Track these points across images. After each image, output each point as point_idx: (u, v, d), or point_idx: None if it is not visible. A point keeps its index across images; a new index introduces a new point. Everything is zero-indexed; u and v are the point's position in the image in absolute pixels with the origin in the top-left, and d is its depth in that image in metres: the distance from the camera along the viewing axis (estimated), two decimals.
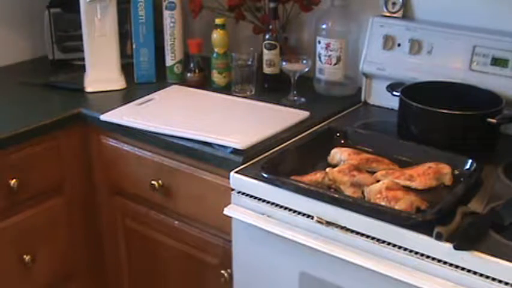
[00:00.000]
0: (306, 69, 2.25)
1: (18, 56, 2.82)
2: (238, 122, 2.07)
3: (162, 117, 2.14)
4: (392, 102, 2.06)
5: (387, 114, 2.14)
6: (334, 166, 1.79)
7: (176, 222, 2.15)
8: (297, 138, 1.99)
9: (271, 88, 2.37)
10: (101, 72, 2.48)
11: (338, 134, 1.94)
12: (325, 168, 1.76)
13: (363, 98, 2.28)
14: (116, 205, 2.32)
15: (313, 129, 2.06)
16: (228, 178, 1.83)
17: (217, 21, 2.39)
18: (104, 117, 2.18)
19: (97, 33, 2.44)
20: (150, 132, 2.07)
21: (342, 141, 1.93)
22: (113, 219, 2.35)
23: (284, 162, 1.80)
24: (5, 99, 2.44)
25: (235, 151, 1.88)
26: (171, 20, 2.46)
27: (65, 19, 2.70)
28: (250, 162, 1.86)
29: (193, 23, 2.57)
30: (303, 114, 2.11)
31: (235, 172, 1.80)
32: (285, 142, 1.96)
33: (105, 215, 2.38)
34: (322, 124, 2.09)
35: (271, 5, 2.33)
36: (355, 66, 2.28)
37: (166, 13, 2.46)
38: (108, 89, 2.45)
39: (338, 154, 1.82)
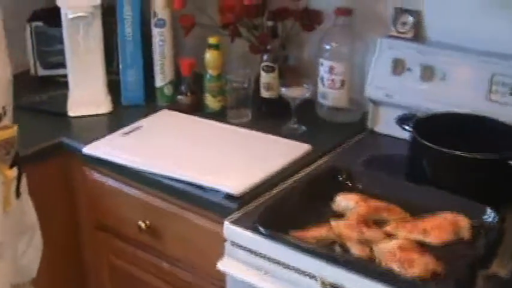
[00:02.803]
0: (307, 95, 2.05)
1: None
2: (232, 157, 1.89)
3: (149, 150, 1.97)
4: (401, 131, 1.85)
5: (396, 146, 1.94)
6: (340, 214, 1.61)
7: (165, 263, 1.96)
8: (298, 176, 1.79)
9: (269, 113, 2.18)
10: (85, 94, 2.29)
11: (343, 176, 1.73)
12: (329, 216, 1.57)
13: (369, 126, 2.07)
14: (101, 241, 2.14)
15: (316, 163, 1.87)
16: (221, 223, 1.65)
17: (211, 40, 2.19)
18: (87, 150, 2.00)
19: (80, 51, 2.24)
20: (136, 169, 1.87)
21: (348, 183, 1.73)
22: (98, 256, 2.17)
23: (284, 210, 1.62)
24: None
25: (229, 196, 1.69)
26: (160, 39, 2.27)
27: (47, 33, 2.49)
28: (246, 208, 1.68)
29: (185, 41, 2.36)
30: (303, 147, 1.93)
31: (230, 222, 1.62)
32: (285, 181, 1.77)
33: (88, 252, 2.20)
34: (326, 158, 1.90)
35: (270, 23, 2.14)
36: (360, 90, 2.09)
37: (155, 31, 2.27)
38: (93, 113, 2.26)
39: (344, 201, 1.64)
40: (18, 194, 1.51)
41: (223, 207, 1.69)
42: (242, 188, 1.70)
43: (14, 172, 1.46)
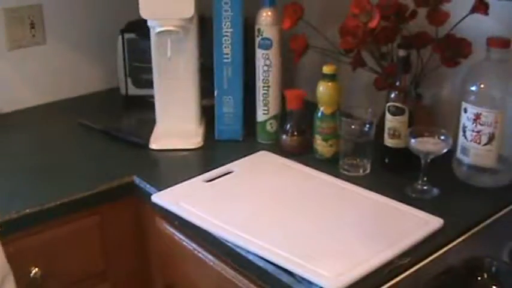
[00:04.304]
0: (444, 151, 1.57)
1: (90, 85, 2.34)
2: (337, 231, 1.44)
3: (233, 208, 1.55)
4: None
5: None
6: None
7: None
8: (421, 269, 1.31)
9: (393, 166, 1.71)
10: (172, 123, 1.91)
11: (485, 276, 1.24)
12: None
13: None
14: None
15: (448, 248, 1.38)
16: None
17: (326, 69, 1.75)
18: (156, 198, 1.59)
19: (169, 72, 1.86)
20: (212, 234, 1.45)
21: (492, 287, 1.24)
22: None
23: None
24: (50, 149, 1.95)
25: None
26: (265, 62, 1.85)
27: (141, 47, 2.13)
28: None
29: (296, 67, 1.92)
30: (433, 222, 1.45)
31: None
32: (402, 274, 1.29)
33: None
34: (462, 241, 1.41)
35: (401, 52, 1.66)
36: None
37: (259, 52, 1.85)
38: (179, 147, 1.86)
39: None
40: None
41: None
42: (343, 284, 1.24)
43: None
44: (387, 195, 1.58)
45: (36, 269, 1.62)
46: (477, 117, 1.60)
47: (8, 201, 1.62)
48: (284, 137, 1.84)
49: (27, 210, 1.58)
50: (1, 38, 2.12)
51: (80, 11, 2.24)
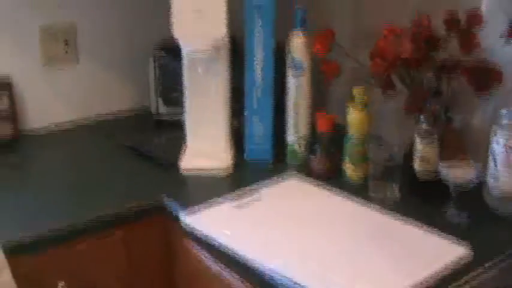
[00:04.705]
0: (474, 181, 1.56)
1: (121, 104, 2.36)
2: (363, 256, 1.43)
3: (261, 233, 1.56)
4: None
5: None
6: None
7: None
8: None
9: (423, 192, 1.70)
10: (203, 144, 1.92)
11: None
12: None
13: None
14: None
15: (475, 278, 1.37)
16: None
17: (356, 93, 1.75)
18: (185, 218, 1.61)
19: (200, 92, 1.87)
20: (237, 258, 1.46)
21: None
22: None
23: None
24: (80, 166, 1.98)
25: None
26: (295, 84, 1.84)
27: (172, 66, 2.13)
28: None
29: (326, 90, 1.92)
30: (460, 252, 1.44)
31: None
32: None
33: None
34: (490, 271, 1.40)
35: (432, 81, 1.65)
36: None
37: (290, 75, 1.85)
38: (209, 167, 1.86)
39: None
40: None
41: None
42: None
43: None
44: (415, 221, 1.57)
45: (63, 282, 1.63)
46: (509, 145, 1.58)
47: (37, 217, 1.64)
48: (313, 159, 1.84)
49: (56, 227, 1.60)
50: (36, 55, 2.14)
51: (113, 30, 2.26)
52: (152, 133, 2.17)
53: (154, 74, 2.19)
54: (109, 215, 1.68)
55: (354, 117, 1.76)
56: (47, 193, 1.78)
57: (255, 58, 1.84)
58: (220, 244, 1.52)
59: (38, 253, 1.56)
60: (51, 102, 2.21)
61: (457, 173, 1.59)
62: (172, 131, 2.09)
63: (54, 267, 1.61)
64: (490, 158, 1.63)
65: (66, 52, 2.20)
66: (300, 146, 1.89)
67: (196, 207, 1.66)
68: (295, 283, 1.36)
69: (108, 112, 2.31)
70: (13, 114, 2.10)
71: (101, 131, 2.19)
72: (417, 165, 1.70)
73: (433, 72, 1.68)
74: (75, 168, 1.93)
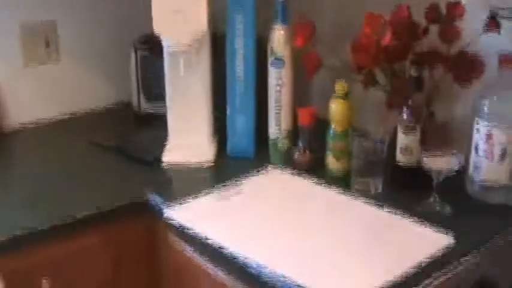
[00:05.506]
0: (455, 169, 1.57)
1: (103, 101, 2.35)
2: (345, 248, 1.43)
3: (245, 226, 1.57)
4: None
5: None
6: None
7: None
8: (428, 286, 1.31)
9: (405, 185, 1.70)
10: (186, 139, 1.93)
11: None
12: None
13: None
14: None
15: (457, 266, 1.38)
16: None
17: (338, 87, 1.75)
18: (168, 214, 1.60)
19: (181, 88, 1.87)
20: (221, 251, 1.45)
21: None
22: None
23: None
24: (63, 165, 1.95)
25: None
26: (277, 82, 1.85)
27: (154, 62, 2.12)
28: None
29: (308, 85, 1.93)
30: (443, 241, 1.45)
31: None
32: None
33: None
34: (472, 259, 1.40)
35: (413, 71, 1.66)
36: None
37: (271, 71, 1.85)
38: (191, 162, 1.88)
39: None
40: None
41: None
42: None
43: None
44: (398, 213, 1.58)
45: (47, 283, 1.62)
46: (489, 134, 1.59)
47: (19, 217, 1.63)
48: (296, 154, 1.84)
49: (39, 227, 1.59)
50: (17, 54, 2.13)
51: (94, 27, 2.26)
52: (134, 129, 2.17)
53: (136, 69, 2.18)
54: (92, 213, 1.66)
55: (336, 110, 1.76)
56: (28, 193, 1.76)
57: (236, 52, 1.84)
58: (203, 237, 1.51)
59: (20, 252, 1.55)
60: (33, 100, 2.20)
61: (439, 163, 1.59)
62: (155, 126, 2.08)
63: (37, 265, 1.60)
64: (472, 148, 1.63)
65: (47, 51, 2.19)
66: (282, 141, 1.89)
67: (179, 202, 1.65)
68: (278, 275, 1.35)
69: (90, 109, 2.29)
70: None
71: (82, 128, 2.18)
72: (400, 156, 1.70)
73: (414, 65, 1.67)
74: (57, 168, 1.92)
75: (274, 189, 1.72)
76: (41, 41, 2.18)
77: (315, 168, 1.82)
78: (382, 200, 1.66)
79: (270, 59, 1.84)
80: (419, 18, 1.70)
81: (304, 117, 1.81)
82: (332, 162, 1.78)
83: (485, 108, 1.62)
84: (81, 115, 2.28)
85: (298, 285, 1.32)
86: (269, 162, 1.88)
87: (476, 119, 1.63)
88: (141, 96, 2.22)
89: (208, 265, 1.56)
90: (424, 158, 1.60)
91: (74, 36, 2.23)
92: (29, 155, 2.01)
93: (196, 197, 1.68)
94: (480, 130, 1.62)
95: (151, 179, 1.82)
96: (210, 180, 1.84)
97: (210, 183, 1.81)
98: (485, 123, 1.60)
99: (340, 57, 1.80)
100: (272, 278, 1.36)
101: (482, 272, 1.36)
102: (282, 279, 1.34)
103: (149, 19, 1.76)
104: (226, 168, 1.88)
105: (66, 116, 2.25)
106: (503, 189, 1.64)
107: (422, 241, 1.46)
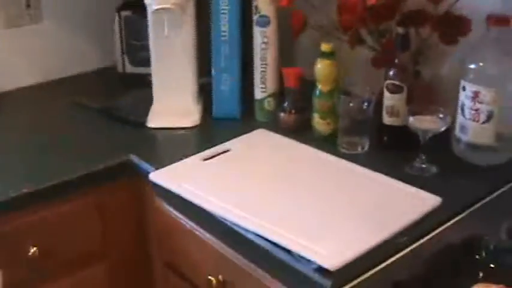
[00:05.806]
0: (442, 129, 1.56)
1: (87, 64, 2.31)
2: (334, 209, 1.43)
3: (231, 186, 1.54)
4: None
5: None
6: None
7: None
8: (418, 248, 1.31)
9: (392, 145, 1.70)
10: (170, 102, 1.89)
11: (483, 254, 1.24)
12: None
13: None
14: (170, 283, 1.72)
15: (446, 227, 1.38)
16: None
17: (323, 47, 1.74)
18: (154, 176, 1.59)
19: (166, 51, 1.84)
20: (209, 212, 1.45)
21: (490, 266, 1.24)
22: None
23: None
24: (47, 128, 1.93)
25: (321, 270, 1.23)
26: (262, 40, 1.83)
27: (138, 25, 2.10)
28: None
29: (294, 46, 1.91)
30: (430, 201, 1.45)
31: None
32: (398, 253, 1.29)
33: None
34: (460, 218, 1.40)
35: (400, 30, 1.65)
36: None
37: (256, 30, 1.83)
38: (177, 125, 1.85)
39: None
40: None
41: (315, 283, 1.24)
42: (340, 260, 1.25)
43: None
44: (385, 174, 1.57)
45: (35, 248, 1.62)
46: (476, 95, 1.59)
47: (4, 181, 1.61)
48: (282, 115, 1.83)
49: (24, 190, 1.57)
50: None
51: None
52: (119, 92, 2.13)
53: (120, 32, 2.16)
54: (77, 177, 1.65)
55: (321, 71, 1.75)
56: (12, 156, 1.75)
57: (221, 14, 1.82)
58: (190, 200, 1.51)
59: (5, 218, 1.54)
60: (14, 63, 2.17)
61: (426, 124, 1.58)
62: (140, 89, 2.06)
63: (23, 232, 1.60)
64: (458, 109, 1.63)
65: (29, 14, 2.15)
66: (268, 102, 1.88)
67: (165, 165, 1.64)
68: (261, 236, 1.35)
69: (73, 72, 2.26)
70: None
71: (66, 91, 2.15)
72: (386, 118, 1.69)
73: (401, 24, 1.66)
74: (41, 131, 1.90)
75: (260, 150, 1.71)
76: (22, 2, 2.13)
77: (301, 129, 1.81)
78: (369, 159, 1.65)
79: (255, 17, 1.82)
80: None
81: (290, 78, 1.80)
82: (318, 123, 1.78)
83: (472, 69, 1.60)
84: (63, 77, 2.25)
85: (285, 246, 1.31)
86: (255, 124, 1.86)
87: (463, 80, 1.61)
88: (126, 59, 2.19)
89: (195, 226, 1.56)
90: (410, 118, 1.59)
91: None
92: (9, 117, 1.99)
93: (181, 159, 1.66)
94: (466, 90, 1.60)
95: (137, 141, 1.82)
96: (195, 143, 1.83)
97: (195, 145, 1.81)
98: (472, 84, 1.59)
99: (327, 16, 1.78)
100: (258, 237, 1.36)
101: (470, 231, 1.36)
102: (271, 238, 1.34)
103: None
104: (212, 130, 1.87)
105: (49, 79, 2.22)
106: (490, 150, 1.63)
107: (410, 201, 1.45)
